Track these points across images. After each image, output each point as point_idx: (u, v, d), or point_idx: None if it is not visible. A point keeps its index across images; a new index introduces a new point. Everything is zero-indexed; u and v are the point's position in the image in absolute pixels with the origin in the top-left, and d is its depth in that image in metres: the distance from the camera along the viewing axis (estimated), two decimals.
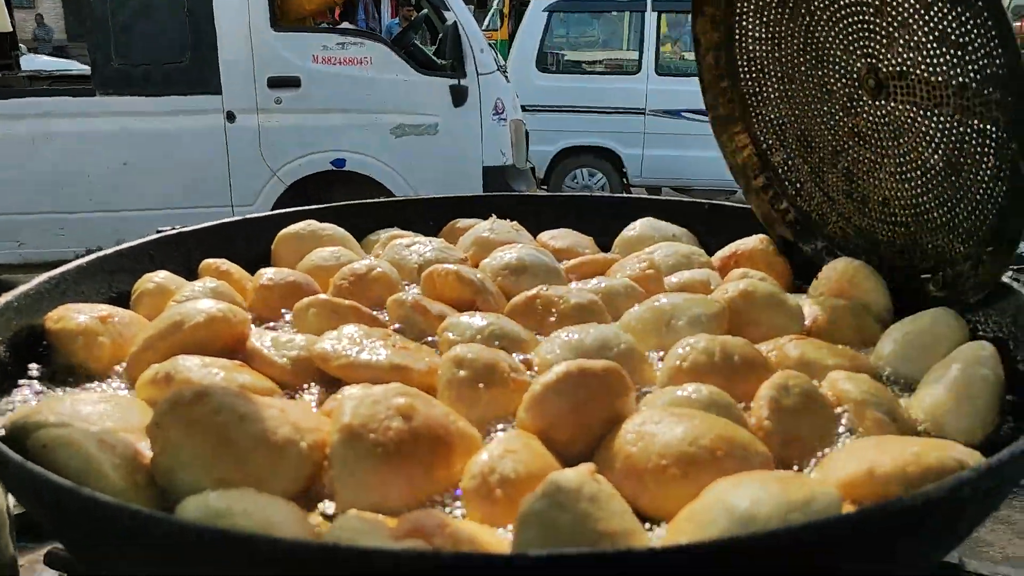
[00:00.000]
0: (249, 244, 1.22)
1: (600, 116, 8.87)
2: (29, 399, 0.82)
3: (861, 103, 1.05)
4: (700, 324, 0.92)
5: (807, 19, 1.07)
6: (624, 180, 8.87)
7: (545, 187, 8.71)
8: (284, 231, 1.21)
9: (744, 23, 1.16)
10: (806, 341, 0.91)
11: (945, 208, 0.97)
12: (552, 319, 0.96)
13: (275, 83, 5.77)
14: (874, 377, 0.85)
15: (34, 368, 0.87)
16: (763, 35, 1.15)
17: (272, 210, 1.42)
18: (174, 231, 1.16)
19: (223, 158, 5.84)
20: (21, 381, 0.84)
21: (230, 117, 5.80)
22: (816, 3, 1.05)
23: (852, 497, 0.62)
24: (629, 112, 8.83)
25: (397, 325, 0.96)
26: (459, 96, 5.92)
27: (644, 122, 8.82)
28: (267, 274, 1.04)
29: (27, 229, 5.69)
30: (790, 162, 1.20)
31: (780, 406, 0.74)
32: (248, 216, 1.26)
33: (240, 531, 0.51)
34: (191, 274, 1.11)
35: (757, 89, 1.19)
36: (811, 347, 0.89)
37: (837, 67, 1.06)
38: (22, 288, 0.90)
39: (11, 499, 0.95)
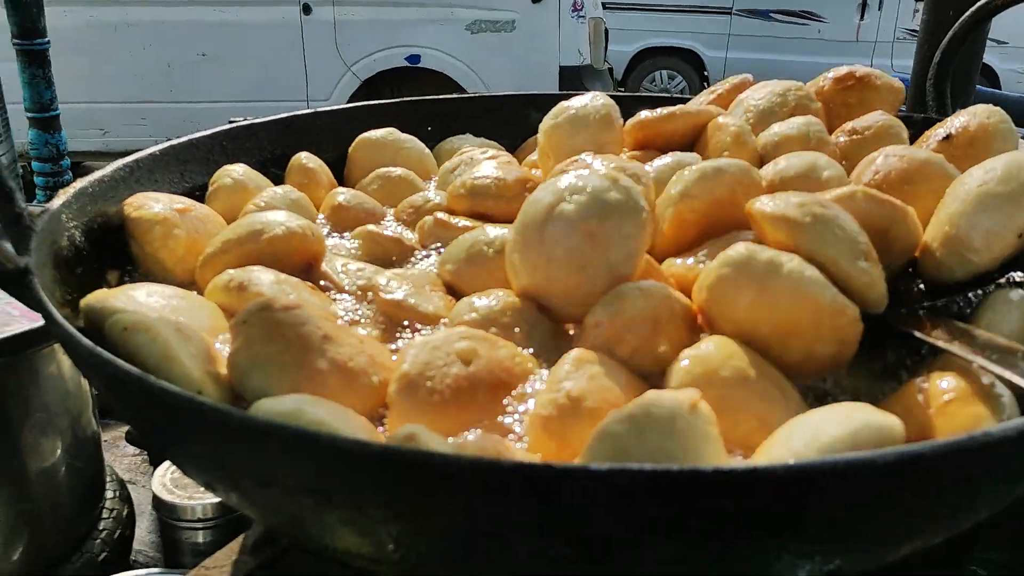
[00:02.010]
0: (321, 137, 1.21)
1: (683, 15, 8.55)
2: (103, 285, 0.83)
3: None
4: None
5: None
6: (705, 84, 8.59)
7: (622, 88, 8.49)
8: (363, 137, 1.18)
9: None
10: None
11: None
12: None
13: None
14: None
15: (108, 255, 0.88)
16: None
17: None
18: (246, 122, 1.15)
19: (299, 51, 5.82)
20: (95, 267, 0.85)
21: (306, 9, 5.75)
22: None
23: None
24: (714, 11, 8.47)
25: (436, 245, 0.95)
26: None
27: (730, 23, 8.46)
28: (343, 195, 1.03)
29: (110, 118, 5.81)
30: None
31: None
32: (320, 109, 1.24)
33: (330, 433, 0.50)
34: (263, 167, 1.10)
35: None
36: None
37: None
38: (97, 174, 0.90)
39: None
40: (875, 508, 0.47)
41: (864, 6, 8.21)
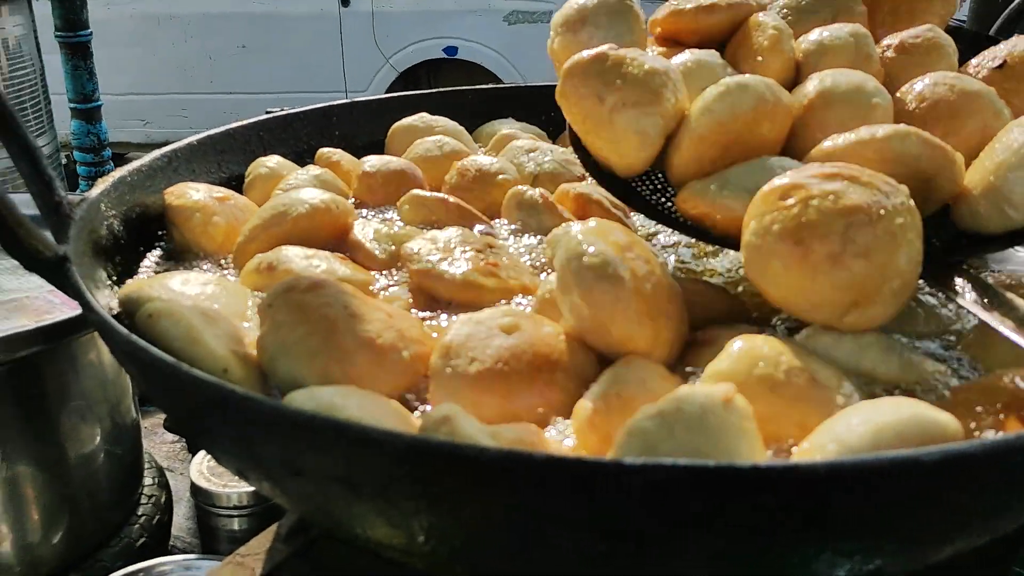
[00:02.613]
0: (357, 127, 1.21)
1: None
2: (140, 274, 0.84)
3: None
4: None
5: None
6: None
7: None
8: (397, 125, 1.18)
9: None
10: None
11: None
12: None
13: None
14: None
15: (146, 243, 0.89)
16: None
17: None
18: (282, 112, 1.16)
19: (337, 43, 5.85)
20: (133, 255, 0.86)
21: (344, 1, 5.77)
22: None
23: None
24: None
25: (513, 225, 0.92)
26: None
27: None
28: (369, 161, 1.02)
29: (151, 109, 5.89)
30: None
31: None
32: (355, 100, 1.24)
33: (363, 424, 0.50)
34: (299, 157, 1.11)
35: None
36: None
37: None
38: (136, 163, 0.91)
39: None
40: (918, 508, 0.46)
41: None
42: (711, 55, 0.88)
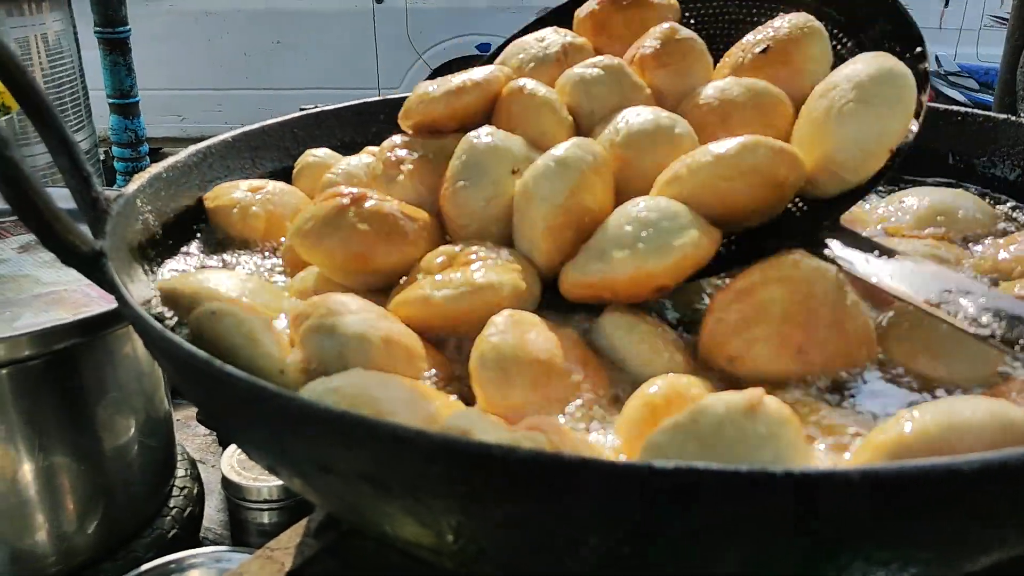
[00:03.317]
0: (391, 124, 1.21)
1: None
2: (180, 269, 0.85)
3: None
4: None
5: None
6: None
7: None
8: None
9: None
10: None
11: None
12: None
13: None
14: None
15: (182, 239, 0.90)
16: None
17: None
18: (316, 110, 1.16)
19: (370, 39, 5.88)
20: (169, 251, 0.87)
21: None
22: None
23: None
24: None
25: None
26: None
27: None
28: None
29: (187, 104, 5.96)
30: None
31: None
32: (388, 97, 1.24)
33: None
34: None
35: None
36: None
37: None
38: (171, 160, 0.92)
39: None
40: (955, 517, 0.45)
41: None
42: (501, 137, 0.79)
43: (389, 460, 0.47)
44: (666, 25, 0.88)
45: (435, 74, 5.86)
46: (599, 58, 0.86)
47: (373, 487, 0.49)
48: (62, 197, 0.70)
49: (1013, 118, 1.04)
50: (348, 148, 1.13)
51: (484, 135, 0.78)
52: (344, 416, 0.48)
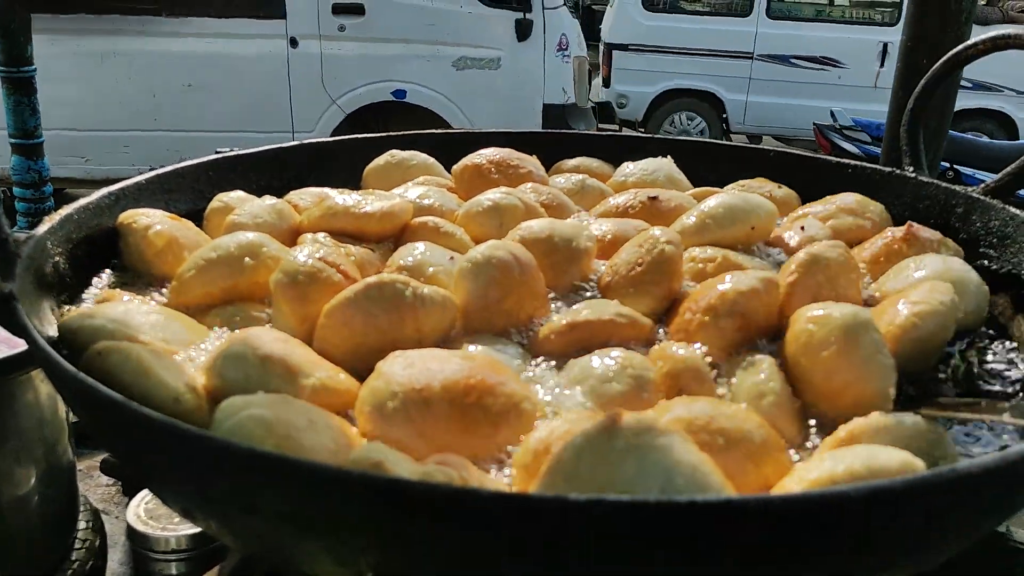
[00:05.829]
0: (309, 169, 1.22)
1: (705, 59, 8.66)
2: (84, 302, 0.84)
3: None
4: None
5: None
6: (725, 127, 8.68)
7: (643, 130, 8.59)
8: (371, 165, 1.20)
9: None
10: None
11: None
12: None
13: (339, 9, 5.74)
14: None
15: (92, 280, 0.89)
16: None
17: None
18: (232, 153, 1.16)
19: (285, 83, 5.86)
20: (79, 292, 0.86)
21: (293, 43, 5.80)
22: None
23: None
24: (736, 56, 8.59)
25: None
26: (523, 30, 5.84)
27: (751, 67, 8.57)
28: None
29: (93, 145, 5.79)
30: None
31: None
32: (305, 141, 1.25)
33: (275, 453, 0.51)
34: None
35: None
36: None
37: None
38: (83, 201, 0.91)
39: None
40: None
41: (884, 53, 8.32)
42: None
43: (312, 499, 0.48)
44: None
45: (350, 119, 5.88)
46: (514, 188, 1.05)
47: (294, 526, 0.50)
48: None
49: (898, 171, 1.13)
50: (264, 192, 1.13)
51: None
52: (263, 455, 0.48)
